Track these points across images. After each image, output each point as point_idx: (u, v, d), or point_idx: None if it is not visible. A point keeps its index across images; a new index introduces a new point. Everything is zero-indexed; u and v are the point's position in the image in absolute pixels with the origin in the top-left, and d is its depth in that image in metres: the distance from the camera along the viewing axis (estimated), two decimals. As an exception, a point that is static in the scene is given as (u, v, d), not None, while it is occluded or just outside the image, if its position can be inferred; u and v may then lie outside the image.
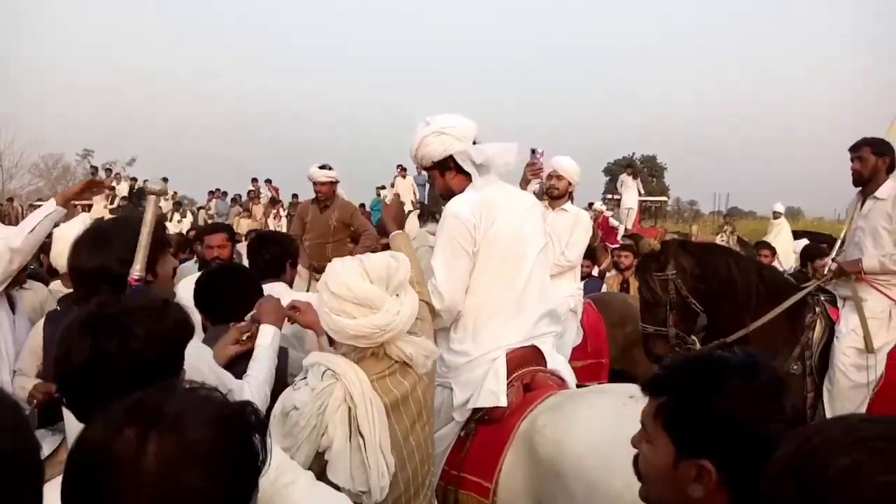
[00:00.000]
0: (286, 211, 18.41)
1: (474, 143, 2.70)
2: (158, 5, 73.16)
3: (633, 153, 38.24)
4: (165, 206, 19.82)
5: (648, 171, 37.66)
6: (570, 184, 5.15)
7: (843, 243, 4.43)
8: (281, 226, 17.18)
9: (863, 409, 3.87)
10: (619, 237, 13.44)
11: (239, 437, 1.00)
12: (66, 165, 38.49)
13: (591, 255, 7.56)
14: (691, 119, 67.72)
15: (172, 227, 17.23)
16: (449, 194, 2.70)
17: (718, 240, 14.11)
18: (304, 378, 2.00)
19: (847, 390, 3.88)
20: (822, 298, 4.16)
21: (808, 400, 3.98)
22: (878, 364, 3.91)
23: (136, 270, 1.84)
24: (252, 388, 2.19)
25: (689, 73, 73.23)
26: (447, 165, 2.67)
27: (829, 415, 3.87)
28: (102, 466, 0.93)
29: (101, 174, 21.39)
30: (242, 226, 16.82)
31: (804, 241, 10.96)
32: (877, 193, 4.06)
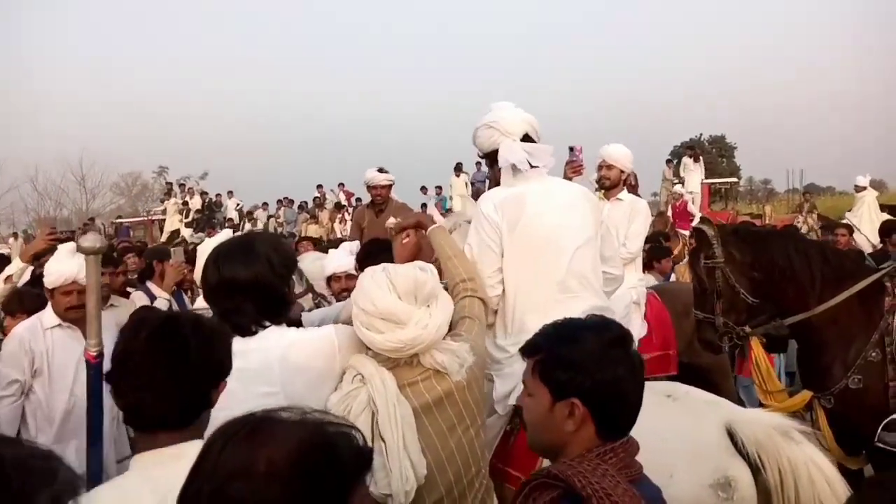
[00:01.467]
0: (351, 215, 18.71)
1: (527, 138, 2.69)
2: (221, 23, 75.54)
3: (700, 134, 37.16)
4: (232, 213, 20.50)
5: (717, 152, 36.51)
6: (622, 172, 5.02)
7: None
8: (346, 230, 17.48)
9: None
10: (692, 223, 13.07)
11: None
12: (145, 182, 40.30)
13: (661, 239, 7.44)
14: (760, 95, 65.12)
15: (243, 237, 17.75)
16: (497, 185, 2.74)
17: (797, 221, 13.55)
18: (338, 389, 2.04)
19: None
20: None
21: (889, 388, 3.75)
22: None
23: (93, 346, 1.59)
24: None
25: (753, 49, 70.43)
26: (496, 158, 2.68)
27: None
28: None
29: (176, 189, 22.24)
30: (310, 231, 17.22)
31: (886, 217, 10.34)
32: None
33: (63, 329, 3.41)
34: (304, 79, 70.31)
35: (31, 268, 3.94)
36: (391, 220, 2.93)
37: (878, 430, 3.70)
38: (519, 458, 2.42)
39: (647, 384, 2.59)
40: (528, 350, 1.61)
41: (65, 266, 3.34)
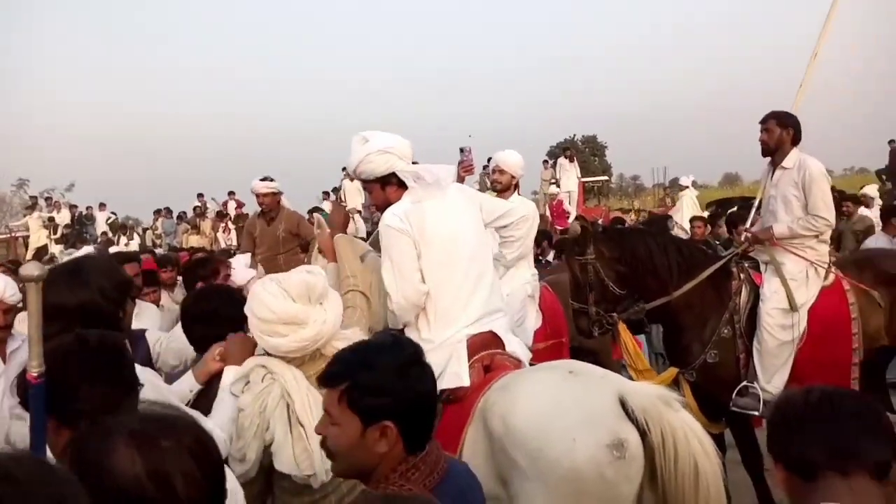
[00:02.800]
0: (234, 223, 18.28)
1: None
2: (81, 24, 71.01)
3: (574, 134, 38.98)
4: (104, 226, 19.52)
5: (590, 151, 38.42)
6: (512, 177, 5.32)
7: (758, 211, 4.76)
8: (230, 239, 17.03)
9: (788, 364, 4.19)
10: (569, 220, 13.81)
11: None
12: (2, 196, 37.32)
13: (545, 239, 7.89)
14: (630, 96, 68.98)
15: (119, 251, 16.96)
16: (386, 205, 2.99)
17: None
18: (247, 382, 2.23)
19: (774, 348, 4.19)
20: (746, 265, 4.48)
21: (740, 360, 4.31)
22: (801, 321, 4.22)
23: (34, 367, 1.59)
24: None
25: (623, 49, 74.47)
26: (388, 180, 2.96)
27: (759, 371, 4.20)
28: None
29: (41, 203, 20.82)
30: (191, 242, 16.65)
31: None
32: (784, 163, 4.36)
33: None
34: (176, 84, 67.35)
35: None
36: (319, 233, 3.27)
37: (733, 397, 4.25)
38: (441, 439, 2.57)
39: (552, 363, 2.99)
40: (329, 380, 1.63)
41: None
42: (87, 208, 20.53)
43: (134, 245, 17.90)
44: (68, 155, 49.54)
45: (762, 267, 4.43)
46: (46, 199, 21.41)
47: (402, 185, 2.95)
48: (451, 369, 2.75)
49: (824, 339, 4.21)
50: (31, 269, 1.63)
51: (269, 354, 2.34)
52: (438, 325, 2.86)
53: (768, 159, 4.53)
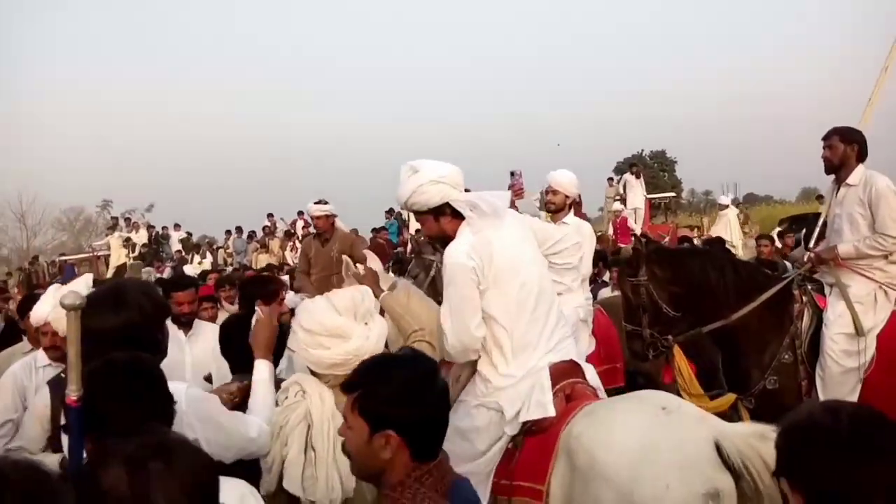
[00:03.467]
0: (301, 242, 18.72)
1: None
2: (153, 53, 74.70)
3: (642, 150, 38.24)
4: (178, 245, 20.31)
5: (659, 167, 37.61)
6: (566, 197, 5.23)
7: (822, 231, 4.52)
8: (297, 258, 17.44)
9: (856, 393, 3.95)
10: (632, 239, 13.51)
11: None
12: (88, 217, 39.32)
13: (601, 259, 7.72)
14: (700, 111, 67.37)
15: (193, 270, 17.59)
16: (442, 236, 2.89)
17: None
18: (285, 396, 2.30)
19: (838, 375, 3.96)
20: (810, 287, 4.26)
21: (801, 387, 4.08)
22: (868, 347, 3.98)
23: (73, 391, 1.67)
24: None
25: (691, 63, 72.96)
26: (442, 211, 2.83)
27: (822, 399, 3.96)
28: None
29: (121, 223, 21.88)
30: (261, 261, 17.15)
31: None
32: (848, 180, 4.15)
33: (54, 369, 3.42)
34: (253, 106, 69.84)
35: None
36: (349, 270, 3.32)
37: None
38: (526, 469, 2.63)
39: (641, 395, 2.87)
40: (346, 387, 1.73)
41: (39, 308, 3.49)
42: (164, 228, 21.46)
43: (207, 263, 18.58)
44: (148, 177, 51.80)
45: (826, 289, 4.21)
46: (126, 219, 22.50)
47: (457, 216, 2.82)
48: (535, 399, 2.69)
49: (895, 365, 3.94)
50: (70, 298, 1.70)
51: (312, 373, 2.40)
52: (517, 358, 2.76)
53: (832, 177, 4.32)
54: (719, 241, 10.22)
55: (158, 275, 16.55)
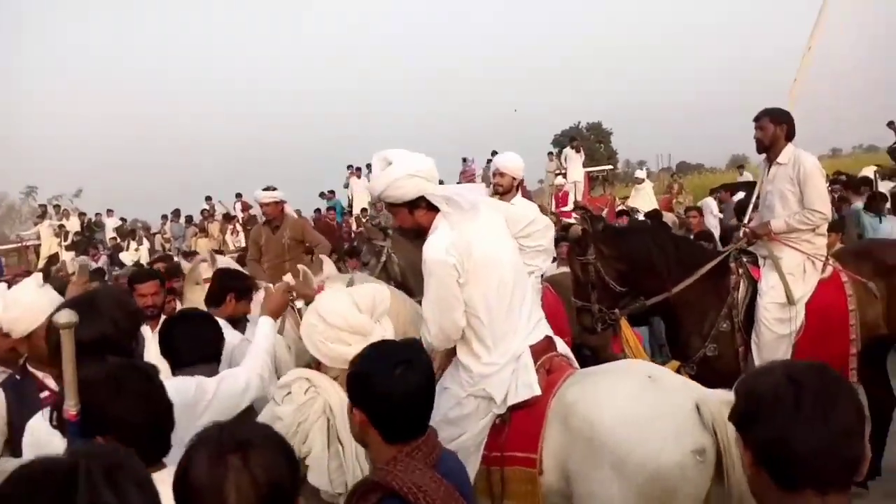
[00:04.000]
0: (242, 226, 18.43)
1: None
2: (83, 27, 71.32)
3: (579, 122, 38.81)
4: (112, 232, 19.72)
5: (595, 138, 38.25)
6: (513, 179, 5.36)
7: (755, 207, 4.81)
8: (239, 241, 17.18)
9: (787, 357, 4.23)
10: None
11: None
12: (11, 204, 37.68)
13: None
14: (633, 82, 68.68)
15: (129, 257, 17.11)
16: (417, 228, 2.96)
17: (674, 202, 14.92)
18: (289, 393, 2.32)
19: (772, 342, 4.26)
20: (745, 260, 4.54)
21: (739, 353, 4.38)
22: (798, 315, 4.29)
23: (71, 406, 1.70)
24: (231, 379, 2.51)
25: (622, 37, 74.10)
26: (417, 204, 2.87)
27: (757, 364, 4.25)
28: None
29: (51, 211, 21.05)
30: (201, 245, 16.80)
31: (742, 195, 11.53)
32: (779, 159, 4.42)
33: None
34: (178, 87, 67.54)
35: None
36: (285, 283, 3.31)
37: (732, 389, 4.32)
38: (517, 440, 2.81)
39: (626, 365, 3.19)
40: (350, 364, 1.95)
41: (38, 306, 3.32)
42: (96, 215, 20.76)
43: (144, 250, 18.09)
44: (74, 161, 49.86)
45: (760, 261, 4.50)
46: (55, 206, 21.69)
47: (431, 208, 2.87)
48: (521, 380, 2.83)
49: (822, 332, 4.28)
50: (64, 316, 1.72)
51: (314, 368, 2.49)
52: (499, 347, 2.87)
53: (764, 156, 4.58)
54: (657, 215, 10.63)
55: (95, 263, 16.06)
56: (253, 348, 2.69)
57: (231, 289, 3.90)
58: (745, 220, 4.93)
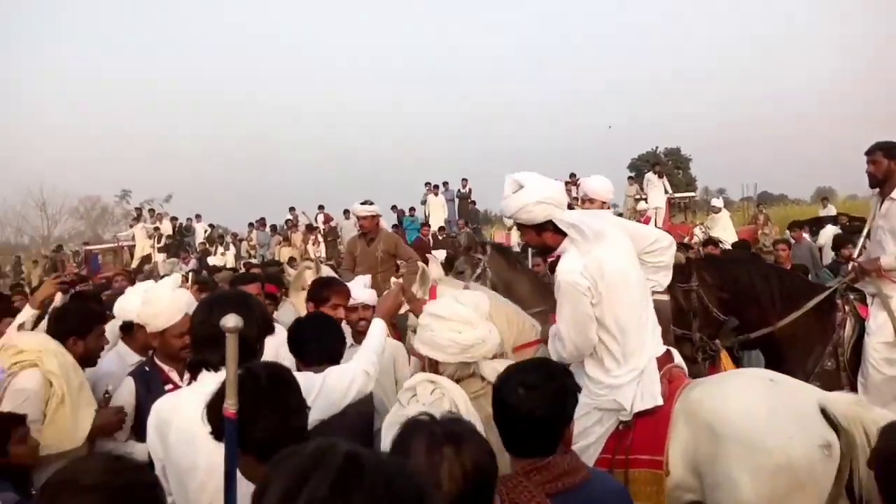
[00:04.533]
0: (324, 236, 18.98)
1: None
2: (170, 45, 74.99)
3: (657, 147, 38.22)
4: (202, 237, 20.58)
5: (674, 164, 37.56)
6: (603, 203, 5.38)
7: (865, 241, 4.70)
8: (319, 251, 17.66)
9: None
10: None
11: None
12: (105, 206, 39.67)
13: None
14: (713, 108, 67.17)
15: (216, 261, 17.80)
16: (542, 247, 3.24)
17: (759, 234, 14.47)
18: (414, 395, 2.44)
19: (880, 383, 4.15)
20: (852, 297, 4.44)
21: None
22: None
23: (231, 405, 1.79)
24: (336, 375, 2.59)
25: (705, 61, 72.59)
26: (545, 227, 3.11)
27: None
28: None
29: (145, 214, 22.16)
30: (283, 254, 17.37)
31: (832, 229, 11.16)
32: (893, 194, 4.32)
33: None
34: (267, 98, 70.06)
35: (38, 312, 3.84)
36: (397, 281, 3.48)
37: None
38: (643, 444, 2.98)
39: (744, 371, 3.46)
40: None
41: (126, 303, 3.63)
42: (188, 220, 21.71)
43: (230, 255, 18.84)
44: (165, 167, 52.36)
45: (868, 299, 4.39)
46: (150, 210, 22.78)
47: (558, 231, 3.06)
48: (647, 391, 3.03)
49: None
50: (231, 320, 1.80)
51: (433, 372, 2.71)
52: (629, 362, 3.05)
53: (877, 190, 4.49)
54: (744, 245, 10.38)
55: (185, 266, 16.84)
56: (363, 346, 2.81)
57: (311, 296, 4.06)
58: (856, 255, 4.82)
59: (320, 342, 3.03)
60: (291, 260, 13.26)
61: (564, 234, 3.05)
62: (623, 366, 3.06)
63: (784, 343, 4.35)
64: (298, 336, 3.11)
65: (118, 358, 3.72)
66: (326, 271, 6.03)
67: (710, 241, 11.24)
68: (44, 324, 3.63)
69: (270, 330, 2.57)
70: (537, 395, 1.95)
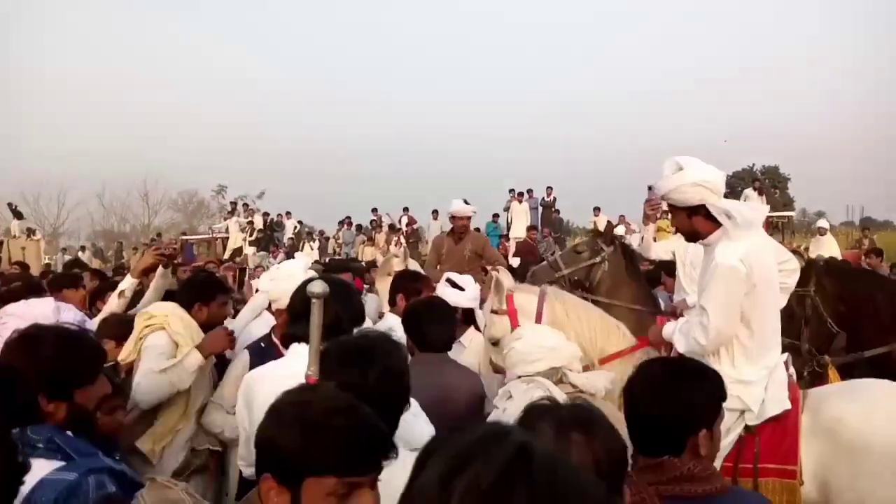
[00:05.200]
0: (406, 238, 19.19)
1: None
2: (271, 43, 77.83)
3: (753, 164, 36.77)
4: (291, 233, 21.17)
5: (771, 183, 36.05)
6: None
7: None
8: (400, 253, 17.81)
9: None
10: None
11: None
12: (201, 200, 41.56)
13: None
14: (813, 126, 64.06)
15: (303, 257, 18.29)
16: (690, 233, 3.13)
17: (862, 261, 13.65)
18: (510, 397, 2.43)
19: None
20: None
21: None
22: None
23: (314, 373, 1.76)
24: None
25: (801, 77, 69.29)
26: (697, 211, 3.02)
27: None
28: None
29: (239, 209, 23.02)
30: (367, 253, 17.68)
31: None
32: None
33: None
34: (358, 102, 71.67)
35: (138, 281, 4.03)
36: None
37: None
38: (773, 453, 2.90)
39: (872, 382, 3.16)
40: None
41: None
42: (278, 216, 22.44)
43: (316, 251, 19.34)
44: (258, 164, 54.28)
45: None
46: (244, 205, 23.68)
47: (710, 218, 2.99)
48: (775, 396, 2.95)
49: None
50: (318, 286, 1.79)
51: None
52: (759, 361, 2.99)
53: None
54: (845, 264, 9.79)
55: (273, 259, 17.38)
56: None
57: (402, 289, 4.09)
58: None
59: (438, 329, 3.06)
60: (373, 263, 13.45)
61: (715, 222, 2.98)
62: (754, 364, 2.97)
63: None
64: (417, 322, 3.10)
65: (266, 327, 3.71)
66: (413, 265, 6.04)
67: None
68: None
69: (362, 318, 2.62)
70: (660, 391, 1.84)
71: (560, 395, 2.32)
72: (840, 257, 13.88)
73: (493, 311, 3.45)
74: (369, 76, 78.12)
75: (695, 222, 3.03)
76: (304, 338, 2.26)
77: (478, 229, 18.00)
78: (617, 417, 2.23)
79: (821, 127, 65.07)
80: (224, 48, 67.68)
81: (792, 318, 4.16)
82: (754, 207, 3.11)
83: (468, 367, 3.27)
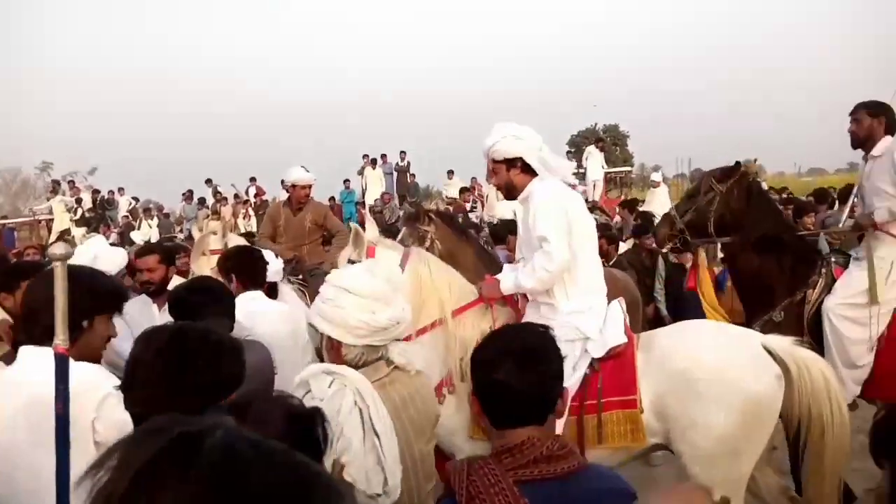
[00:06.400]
0: (254, 210, 18.17)
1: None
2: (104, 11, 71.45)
3: (595, 123, 38.33)
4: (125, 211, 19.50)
5: (612, 140, 37.76)
6: None
7: (852, 204, 4.63)
8: (251, 225, 16.87)
9: (866, 361, 3.98)
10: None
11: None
12: (26, 179, 37.62)
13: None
14: (650, 84, 68.23)
15: (140, 235, 16.84)
16: (508, 186, 3.41)
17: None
18: (308, 391, 2.06)
19: (833, 344, 4.02)
20: (833, 259, 4.27)
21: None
22: (881, 318, 3.95)
23: (61, 340, 1.71)
24: None
25: (637, 36, 73.41)
26: (514, 164, 3.33)
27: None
28: None
29: (64, 186, 20.77)
30: (211, 228, 16.46)
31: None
32: (873, 152, 4.11)
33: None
34: (191, 72, 67.39)
35: None
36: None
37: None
38: (614, 387, 3.14)
39: (695, 322, 3.75)
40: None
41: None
42: (109, 192, 20.52)
43: (154, 229, 17.86)
44: (90, 138, 49.62)
45: (853, 263, 4.19)
46: (69, 182, 21.42)
47: (526, 171, 3.32)
48: (612, 330, 3.21)
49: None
50: (60, 248, 1.76)
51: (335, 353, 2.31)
52: (583, 295, 3.27)
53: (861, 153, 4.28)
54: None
55: (106, 240, 15.78)
56: None
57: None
58: (847, 211, 4.94)
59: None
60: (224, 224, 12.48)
61: (531, 174, 3.32)
62: (586, 295, 3.26)
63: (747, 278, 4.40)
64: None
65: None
66: (235, 239, 5.37)
67: (629, 203, 11.21)
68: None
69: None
70: (526, 362, 1.67)
71: (366, 390, 2.06)
72: (670, 206, 14.64)
73: (351, 262, 3.35)
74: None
75: (512, 175, 3.35)
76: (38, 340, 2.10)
77: (333, 198, 17.58)
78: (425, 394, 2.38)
79: (657, 87, 69.34)
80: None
81: (691, 197, 4.57)
82: (564, 162, 3.54)
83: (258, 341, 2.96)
